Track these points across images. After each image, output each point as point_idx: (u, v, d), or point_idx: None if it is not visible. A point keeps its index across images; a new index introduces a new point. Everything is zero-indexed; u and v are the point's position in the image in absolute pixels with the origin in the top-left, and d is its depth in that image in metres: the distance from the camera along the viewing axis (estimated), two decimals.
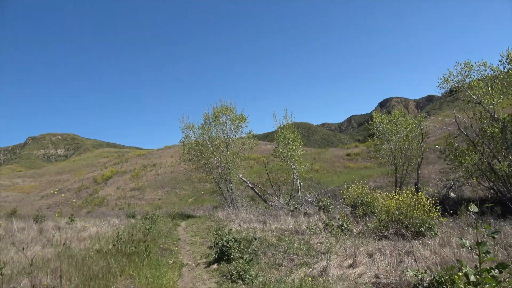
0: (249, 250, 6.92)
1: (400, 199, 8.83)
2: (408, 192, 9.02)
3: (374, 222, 9.22)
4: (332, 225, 9.89)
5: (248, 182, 19.78)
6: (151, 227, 11.83)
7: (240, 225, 12.22)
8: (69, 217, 15.37)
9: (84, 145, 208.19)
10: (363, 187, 12.61)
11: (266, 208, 17.34)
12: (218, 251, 7.10)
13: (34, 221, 15.41)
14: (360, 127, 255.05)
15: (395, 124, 19.84)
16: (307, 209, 14.74)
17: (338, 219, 10.08)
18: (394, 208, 8.68)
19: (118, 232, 8.21)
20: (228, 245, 6.91)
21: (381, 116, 20.65)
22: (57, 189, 70.64)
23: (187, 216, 20.84)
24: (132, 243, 8.01)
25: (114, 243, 8.17)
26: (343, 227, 9.32)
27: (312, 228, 9.76)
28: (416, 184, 19.70)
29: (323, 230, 9.62)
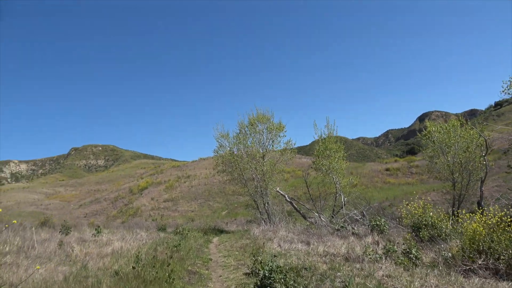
0: (300, 286, 5.32)
1: (489, 222, 6.89)
2: (501, 213, 7.05)
3: (455, 250, 7.29)
4: (395, 251, 8.06)
5: (286, 196, 18.13)
6: (179, 244, 10.52)
7: (280, 246, 10.60)
8: (96, 229, 14.46)
9: (123, 156, 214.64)
10: (426, 204, 10.66)
11: (306, 225, 15.60)
12: (258, 283, 5.56)
13: (60, 232, 14.62)
14: (397, 142, 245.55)
15: (453, 134, 17.53)
16: (355, 228, 12.87)
17: (403, 244, 8.22)
18: (483, 234, 6.76)
19: (139, 252, 6.92)
20: (271, 276, 5.35)
21: (436, 125, 18.40)
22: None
23: (220, 231, 19.46)
24: (154, 266, 6.64)
25: (134, 265, 6.85)
26: (410, 255, 7.47)
27: (369, 254, 7.99)
28: (479, 203, 17.20)
29: (383, 257, 7.82)
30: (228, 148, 20.04)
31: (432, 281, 5.55)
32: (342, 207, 17.33)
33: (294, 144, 19.79)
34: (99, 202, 69.17)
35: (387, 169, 61.31)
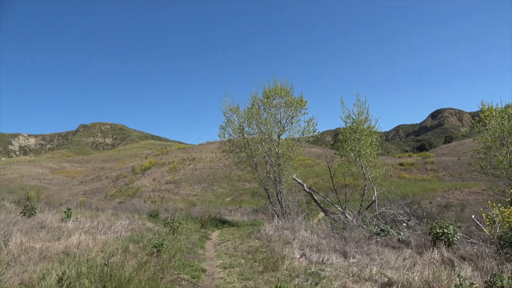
0: None
1: None
2: None
3: None
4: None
5: (305, 185, 14.87)
6: (162, 244, 7.33)
7: (305, 256, 7.38)
8: (65, 212, 11.40)
9: (131, 136, 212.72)
10: None
11: (331, 223, 12.36)
12: None
13: (21, 213, 11.61)
14: (408, 138, 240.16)
15: None
16: (402, 233, 9.59)
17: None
18: None
19: (66, 276, 3.70)
20: None
21: (496, 109, 14.78)
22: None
23: (221, 222, 16.38)
24: None
25: None
26: None
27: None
28: None
29: None
30: (238, 124, 16.74)
31: None
32: (373, 202, 14.03)
33: (317, 124, 16.39)
34: (100, 180, 66.76)
35: (400, 164, 57.77)
